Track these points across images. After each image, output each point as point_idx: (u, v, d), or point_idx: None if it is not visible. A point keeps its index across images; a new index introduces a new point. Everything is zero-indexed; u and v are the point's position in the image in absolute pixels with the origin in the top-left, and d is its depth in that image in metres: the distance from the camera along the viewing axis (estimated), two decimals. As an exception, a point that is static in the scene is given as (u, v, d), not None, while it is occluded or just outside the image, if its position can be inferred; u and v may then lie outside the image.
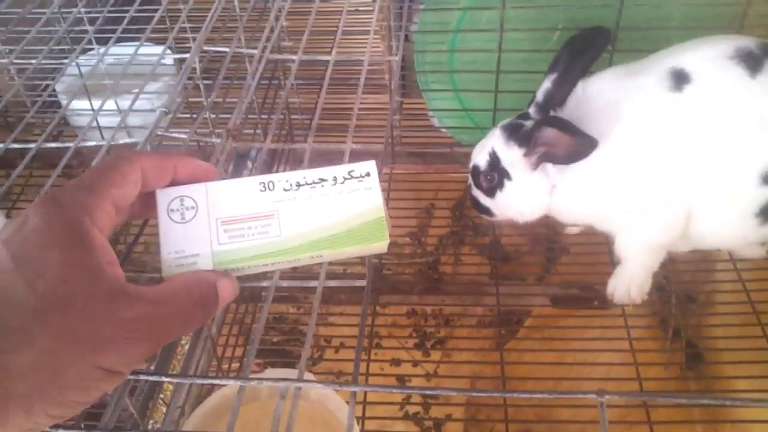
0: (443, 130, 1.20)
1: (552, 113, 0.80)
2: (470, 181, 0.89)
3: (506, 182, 0.82)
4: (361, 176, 0.44)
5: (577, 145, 0.73)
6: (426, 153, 1.18)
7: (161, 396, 0.62)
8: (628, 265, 0.90)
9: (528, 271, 1.16)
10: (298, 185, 0.43)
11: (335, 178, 0.44)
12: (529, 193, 0.83)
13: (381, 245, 0.42)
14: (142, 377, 0.36)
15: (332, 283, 0.44)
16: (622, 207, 0.82)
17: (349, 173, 0.44)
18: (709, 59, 0.75)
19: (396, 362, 1.09)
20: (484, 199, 0.87)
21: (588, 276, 1.07)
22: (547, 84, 0.80)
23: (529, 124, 0.79)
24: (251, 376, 0.37)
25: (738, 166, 0.75)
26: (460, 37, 1.06)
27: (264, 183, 0.44)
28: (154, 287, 0.36)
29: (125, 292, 0.33)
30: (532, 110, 0.82)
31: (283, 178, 0.44)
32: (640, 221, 0.82)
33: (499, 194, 0.84)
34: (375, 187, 0.43)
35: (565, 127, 0.73)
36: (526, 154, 0.79)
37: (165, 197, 0.42)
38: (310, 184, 0.43)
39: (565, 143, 0.74)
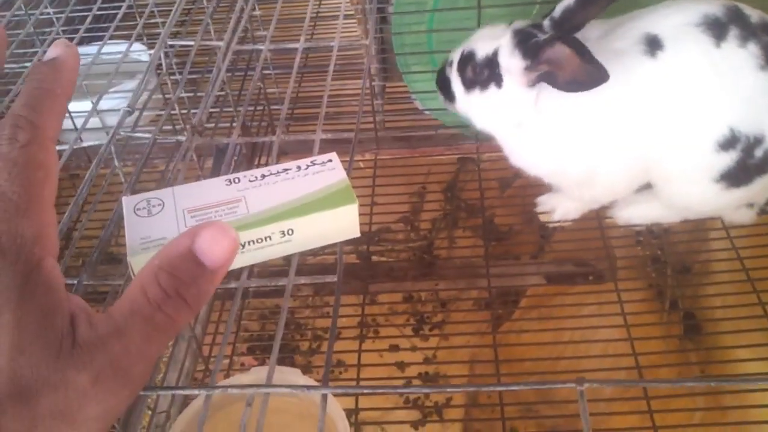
0: (427, 112, 1.18)
1: None
2: (451, 58, 0.85)
3: (492, 87, 0.79)
4: (324, 163, 0.45)
5: (587, 73, 0.69)
6: (411, 136, 1.16)
7: (148, 401, 0.61)
8: (568, 195, 0.95)
9: (522, 250, 1.15)
10: (263, 176, 0.44)
11: (299, 167, 0.45)
12: (507, 110, 0.80)
13: (349, 210, 0.42)
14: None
15: (303, 280, 0.42)
16: (581, 162, 0.82)
17: (312, 162, 0.45)
18: (680, 26, 0.75)
19: (394, 348, 1.08)
20: (456, 86, 0.83)
21: (582, 252, 1.06)
22: (569, 0, 0.74)
23: (541, 37, 0.75)
24: (225, 381, 0.36)
25: (696, 133, 0.77)
26: (438, 16, 1.04)
27: (229, 179, 0.44)
28: (107, 315, 0.29)
29: (82, 349, 0.28)
30: (546, 23, 0.77)
31: (248, 174, 0.44)
32: (599, 180, 0.85)
33: (476, 92, 0.81)
34: (338, 168, 0.44)
35: (581, 50, 0.69)
36: (527, 68, 0.75)
37: (130, 202, 0.42)
38: (275, 173, 0.44)
39: (573, 67, 0.70)
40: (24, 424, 0.27)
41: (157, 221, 0.40)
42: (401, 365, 1.06)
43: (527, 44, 0.74)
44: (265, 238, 0.41)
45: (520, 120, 0.80)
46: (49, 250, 0.30)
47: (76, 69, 0.35)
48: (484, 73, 0.78)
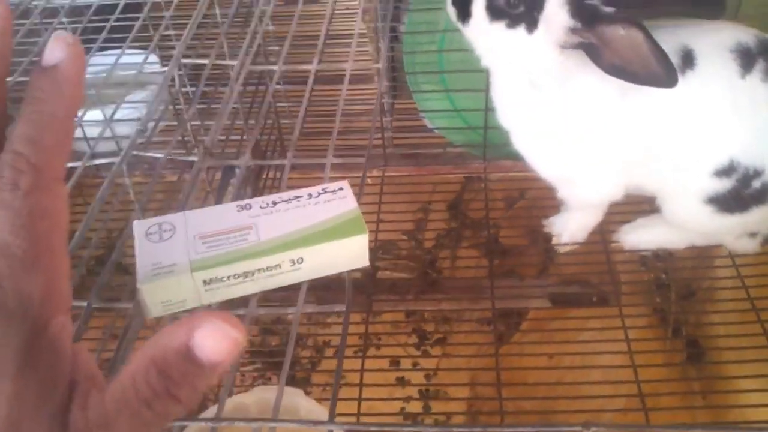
0: (435, 130, 1.19)
1: None
2: None
3: (521, 28, 0.69)
4: (335, 191, 0.45)
5: (650, 69, 0.63)
6: (419, 154, 1.16)
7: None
8: (574, 211, 0.96)
9: (526, 270, 1.15)
10: (274, 203, 0.44)
11: (310, 195, 0.45)
12: (526, 62, 0.72)
13: (359, 241, 0.43)
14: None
15: (310, 309, 0.42)
16: (576, 151, 0.82)
17: (323, 189, 0.45)
18: (716, 47, 0.74)
19: (395, 364, 1.07)
20: (478, 7, 0.71)
21: (587, 274, 1.06)
22: None
23: (600, 5, 0.66)
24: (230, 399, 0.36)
25: (697, 157, 0.77)
26: (449, 36, 1.04)
27: (241, 206, 0.44)
28: (101, 400, 0.26)
29: None
30: None
31: (259, 200, 0.45)
32: (585, 178, 0.85)
33: (500, 26, 0.70)
34: (349, 196, 0.45)
35: (652, 42, 0.62)
36: (573, 30, 0.68)
37: (142, 227, 0.42)
38: (286, 200, 0.44)
39: (633, 56, 0.63)
40: None
41: (168, 247, 0.41)
42: (402, 381, 1.06)
43: (582, 4, 0.67)
44: (275, 266, 0.41)
45: (534, 79, 0.75)
46: (59, 306, 0.28)
47: (81, 78, 0.30)
48: (519, 6, 0.68)
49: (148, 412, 0.26)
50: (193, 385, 0.26)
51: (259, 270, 0.41)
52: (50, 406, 0.26)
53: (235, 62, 0.65)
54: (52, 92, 0.30)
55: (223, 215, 0.43)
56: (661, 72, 0.64)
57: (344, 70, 0.62)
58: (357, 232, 0.42)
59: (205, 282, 0.40)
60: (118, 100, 0.97)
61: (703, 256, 1.00)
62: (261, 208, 0.44)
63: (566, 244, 0.99)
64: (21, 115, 0.29)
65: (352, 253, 0.43)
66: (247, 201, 0.44)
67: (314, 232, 0.42)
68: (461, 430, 0.46)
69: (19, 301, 0.26)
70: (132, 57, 1.09)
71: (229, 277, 0.40)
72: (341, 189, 0.45)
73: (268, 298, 0.44)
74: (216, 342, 0.26)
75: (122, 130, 1.14)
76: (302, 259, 0.42)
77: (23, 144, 0.28)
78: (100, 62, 0.98)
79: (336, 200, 0.44)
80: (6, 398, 0.25)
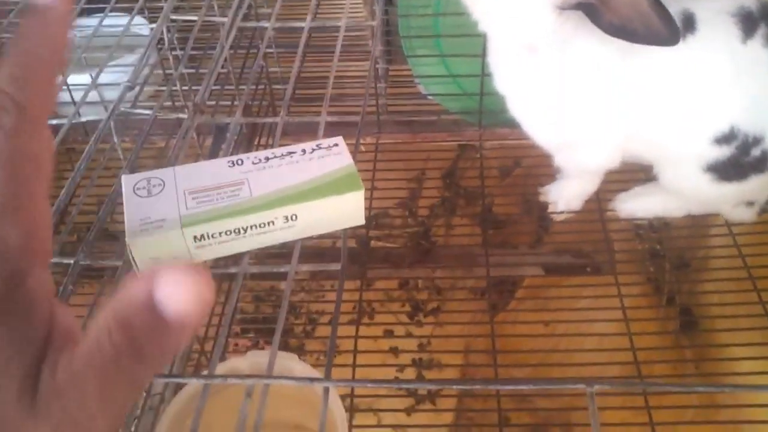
0: (430, 97, 1.17)
1: None
2: None
3: None
4: (329, 147, 0.43)
5: (651, 27, 0.62)
6: (413, 121, 1.14)
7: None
8: (570, 179, 0.96)
9: (520, 239, 1.14)
10: (267, 159, 0.43)
11: (304, 151, 0.43)
12: (522, 21, 0.71)
13: (355, 197, 0.42)
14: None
15: (305, 267, 0.41)
16: (580, 119, 0.80)
17: (317, 145, 0.43)
18: (717, 12, 0.72)
19: (389, 334, 1.07)
20: None
21: (581, 243, 1.06)
22: None
23: None
24: (222, 364, 0.35)
25: (697, 123, 0.76)
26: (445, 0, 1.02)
27: (233, 161, 0.43)
28: (71, 358, 0.24)
29: (40, 395, 0.23)
30: None
31: (251, 155, 0.43)
32: (583, 144, 0.84)
33: None
34: (344, 152, 0.43)
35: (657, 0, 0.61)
36: None
37: (130, 181, 0.41)
38: (279, 156, 0.43)
39: (633, 13, 0.62)
40: None
41: (158, 202, 0.39)
42: (395, 351, 1.05)
43: None
44: (268, 223, 0.40)
45: (532, 42, 0.73)
46: (38, 258, 0.26)
47: (68, 20, 0.29)
48: None
49: (115, 373, 0.24)
50: (160, 343, 0.24)
51: (251, 227, 0.39)
52: (21, 365, 0.24)
53: (225, 19, 0.63)
54: (39, 33, 0.28)
55: (214, 171, 0.42)
56: (663, 29, 0.62)
57: (338, 27, 0.60)
58: (353, 189, 0.41)
59: (195, 238, 0.38)
60: (107, 63, 0.95)
61: (699, 225, 1.00)
62: (253, 163, 0.42)
63: (562, 212, 0.99)
64: (8, 54, 0.28)
65: (347, 211, 0.42)
66: (238, 156, 0.43)
67: (308, 188, 0.41)
68: (461, 387, 0.45)
69: None
70: (119, 19, 1.07)
71: (220, 233, 0.39)
72: (336, 145, 0.44)
73: (258, 257, 0.42)
74: (182, 294, 0.23)
75: (111, 95, 1.12)
76: (296, 216, 0.40)
77: (7, 82, 0.27)
78: (87, 24, 0.95)
79: (331, 156, 0.43)
80: None
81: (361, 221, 0.43)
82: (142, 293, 0.23)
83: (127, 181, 0.41)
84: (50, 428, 0.23)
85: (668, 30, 0.62)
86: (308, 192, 0.40)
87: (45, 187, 0.27)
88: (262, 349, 1.05)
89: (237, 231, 0.39)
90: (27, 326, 0.24)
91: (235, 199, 0.40)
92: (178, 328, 0.24)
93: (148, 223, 0.38)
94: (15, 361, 0.24)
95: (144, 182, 0.40)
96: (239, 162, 0.42)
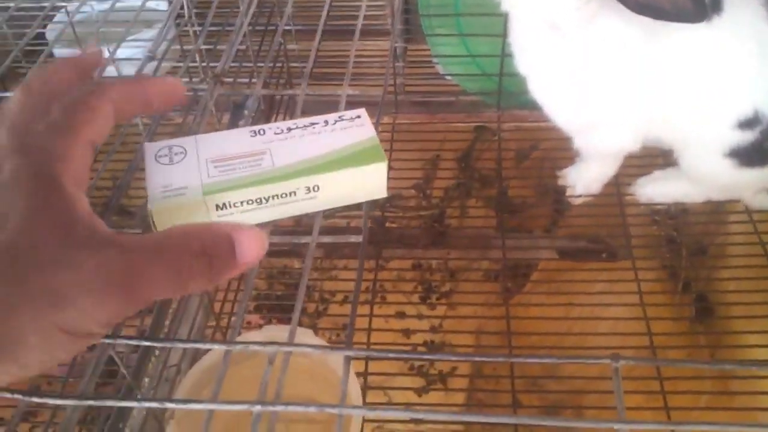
0: (448, 77, 1.16)
1: None
2: None
3: None
4: (352, 118, 0.43)
5: (678, 2, 0.61)
6: (430, 102, 1.13)
7: (156, 354, 0.61)
8: (589, 162, 0.95)
9: (535, 224, 1.13)
10: (289, 129, 0.43)
11: (326, 122, 0.43)
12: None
13: (378, 169, 0.41)
14: (119, 341, 0.33)
15: (326, 239, 0.41)
16: (596, 95, 0.79)
17: (340, 117, 0.43)
18: None
19: (401, 315, 1.07)
20: None
21: (596, 228, 1.05)
22: None
23: None
24: (239, 338, 0.35)
25: (721, 106, 0.75)
26: (467, -23, 1.01)
27: (254, 131, 0.43)
28: (140, 235, 0.30)
29: (95, 239, 0.28)
30: None
31: (273, 126, 0.43)
32: (604, 126, 0.84)
33: None
34: (367, 124, 0.43)
35: None
36: None
37: (152, 148, 0.41)
38: (302, 127, 0.43)
39: None
40: (10, 292, 0.26)
41: (179, 169, 0.39)
42: (407, 332, 1.05)
43: None
44: (290, 194, 0.40)
45: (556, 21, 0.72)
46: (75, 172, 0.31)
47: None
48: None
49: (182, 264, 0.29)
50: (224, 263, 0.30)
51: (273, 196, 0.39)
52: (66, 218, 0.29)
53: (246, -9, 0.62)
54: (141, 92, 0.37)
55: (236, 140, 0.42)
56: (690, 5, 0.62)
57: (359, 5, 0.59)
58: (376, 160, 0.41)
59: (217, 207, 0.38)
60: (125, 38, 0.95)
61: (717, 211, 0.99)
62: (275, 134, 0.42)
63: (580, 196, 0.98)
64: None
65: (370, 182, 0.41)
66: (260, 126, 0.42)
67: (331, 159, 0.40)
68: (484, 359, 0.45)
69: (39, 150, 0.31)
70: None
71: (242, 202, 0.39)
72: (359, 117, 0.44)
73: (272, 233, 0.42)
74: (252, 243, 0.31)
75: (128, 70, 1.12)
76: (318, 186, 0.40)
77: (114, 80, 0.37)
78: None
79: (353, 127, 0.42)
80: (19, 213, 0.28)
81: (384, 194, 0.42)
82: (226, 231, 0.30)
83: (149, 148, 0.41)
84: (97, 264, 0.28)
85: (695, 6, 0.62)
86: (331, 163, 0.40)
87: (93, 135, 0.33)
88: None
89: (259, 200, 0.39)
90: (69, 201, 0.30)
91: (257, 169, 0.39)
92: (239, 266, 0.31)
93: (170, 190, 0.38)
94: (63, 211, 0.30)
95: (165, 150, 0.41)
96: (261, 132, 0.42)
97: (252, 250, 0.31)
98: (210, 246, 0.30)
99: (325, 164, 0.40)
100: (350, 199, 0.42)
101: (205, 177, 0.39)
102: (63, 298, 0.27)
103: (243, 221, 0.38)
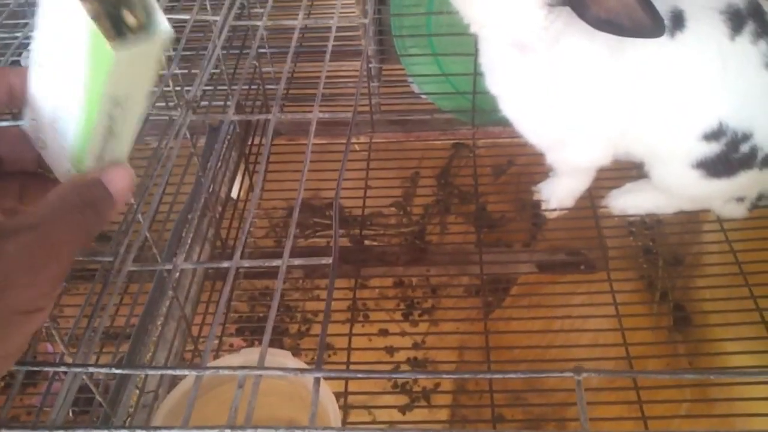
0: (423, 96, 1.17)
1: None
2: None
3: None
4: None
5: (637, 20, 0.63)
6: (406, 120, 1.15)
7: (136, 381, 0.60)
8: (562, 177, 0.97)
9: (514, 238, 1.15)
10: None
11: None
12: (517, 19, 0.71)
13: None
14: (91, 370, 0.33)
15: (297, 262, 0.41)
16: (565, 113, 0.81)
17: None
18: (706, 9, 0.73)
19: (383, 333, 1.07)
20: None
21: (574, 241, 1.06)
22: None
23: None
24: (216, 362, 0.35)
25: (686, 119, 0.77)
26: (438, -2, 1.02)
27: None
28: (29, 211, 0.34)
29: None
30: None
31: None
32: (574, 142, 0.85)
33: None
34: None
35: None
36: None
37: None
38: None
39: (620, 7, 0.63)
40: None
41: None
42: (390, 350, 1.05)
43: None
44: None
45: (523, 40, 0.73)
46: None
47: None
48: None
49: (78, 218, 0.34)
50: (104, 208, 0.36)
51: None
52: None
53: (218, 18, 0.63)
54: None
55: None
56: (648, 21, 0.63)
57: (330, 26, 0.60)
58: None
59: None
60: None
61: (691, 221, 1.01)
62: None
63: (555, 210, 0.99)
64: None
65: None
66: None
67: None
68: (452, 376, 0.45)
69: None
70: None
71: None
72: None
73: (252, 255, 0.42)
74: (120, 178, 0.37)
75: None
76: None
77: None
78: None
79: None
80: None
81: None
82: (94, 178, 0.36)
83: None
84: (16, 247, 0.31)
85: (653, 22, 0.63)
86: None
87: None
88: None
89: None
90: None
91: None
92: (118, 200, 0.37)
93: None
94: None
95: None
96: None
97: (123, 182, 0.37)
98: (87, 195, 0.35)
99: None
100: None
101: None
102: (4, 281, 0.30)
103: None
